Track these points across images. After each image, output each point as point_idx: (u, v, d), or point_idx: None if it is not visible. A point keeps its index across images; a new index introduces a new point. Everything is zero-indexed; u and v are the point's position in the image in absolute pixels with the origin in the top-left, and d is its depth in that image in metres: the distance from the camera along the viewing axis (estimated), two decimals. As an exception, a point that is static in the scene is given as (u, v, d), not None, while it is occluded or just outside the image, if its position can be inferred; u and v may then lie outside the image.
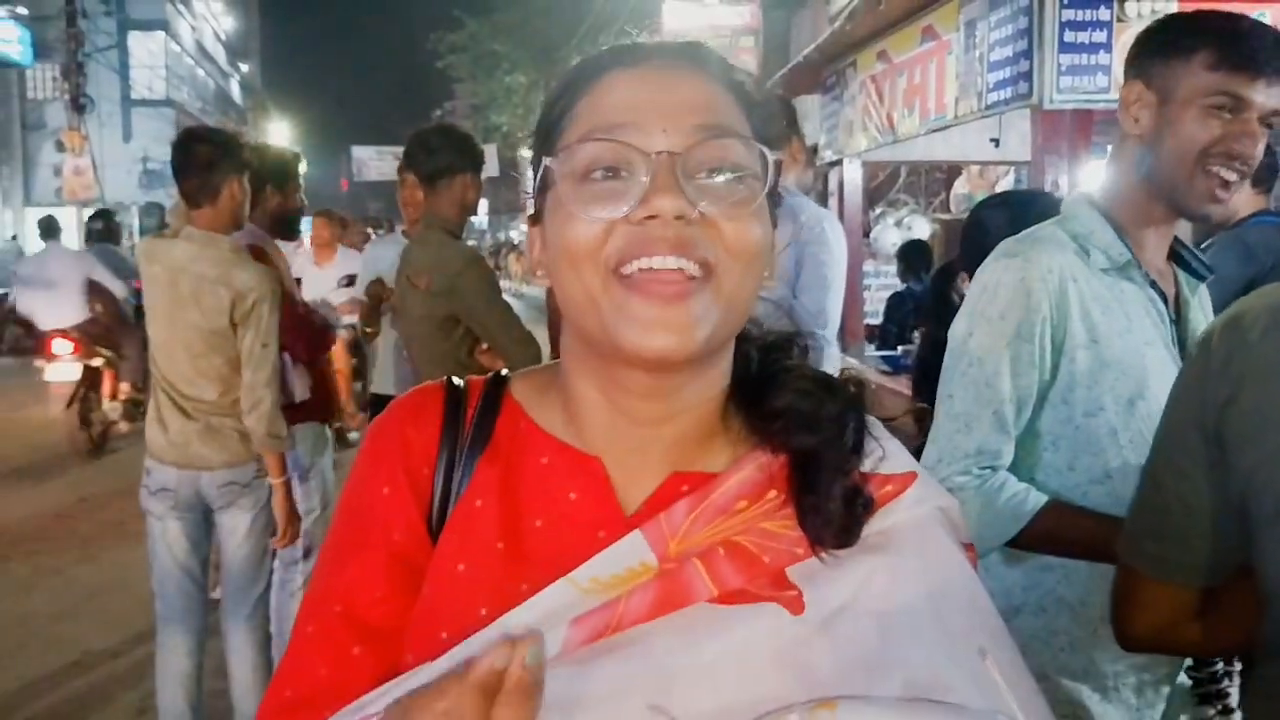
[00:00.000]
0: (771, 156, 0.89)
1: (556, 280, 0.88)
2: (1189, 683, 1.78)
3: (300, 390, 3.92)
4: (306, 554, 4.13)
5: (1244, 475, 1.25)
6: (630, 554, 0.85)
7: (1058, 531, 1.72)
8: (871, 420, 0.94)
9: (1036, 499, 1.72)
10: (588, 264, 0.85)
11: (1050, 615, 1.81)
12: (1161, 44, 1.77)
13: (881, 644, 0.81)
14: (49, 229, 9.88)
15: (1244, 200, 3.73)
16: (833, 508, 0.86)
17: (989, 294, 1.79)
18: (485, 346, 3.56)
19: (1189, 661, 1.77)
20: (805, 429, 0.89)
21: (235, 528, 3.47)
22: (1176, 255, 1.91)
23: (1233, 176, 1.71)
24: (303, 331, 3.93)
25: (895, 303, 8.00)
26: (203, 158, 3.33)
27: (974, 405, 1.77)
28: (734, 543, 0.86)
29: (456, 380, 1.00)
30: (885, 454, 0.92)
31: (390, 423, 0.98)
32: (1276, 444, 1.22)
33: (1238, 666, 1.74)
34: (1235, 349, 1.28)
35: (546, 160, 0.88)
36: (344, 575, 0.93)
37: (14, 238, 27.58)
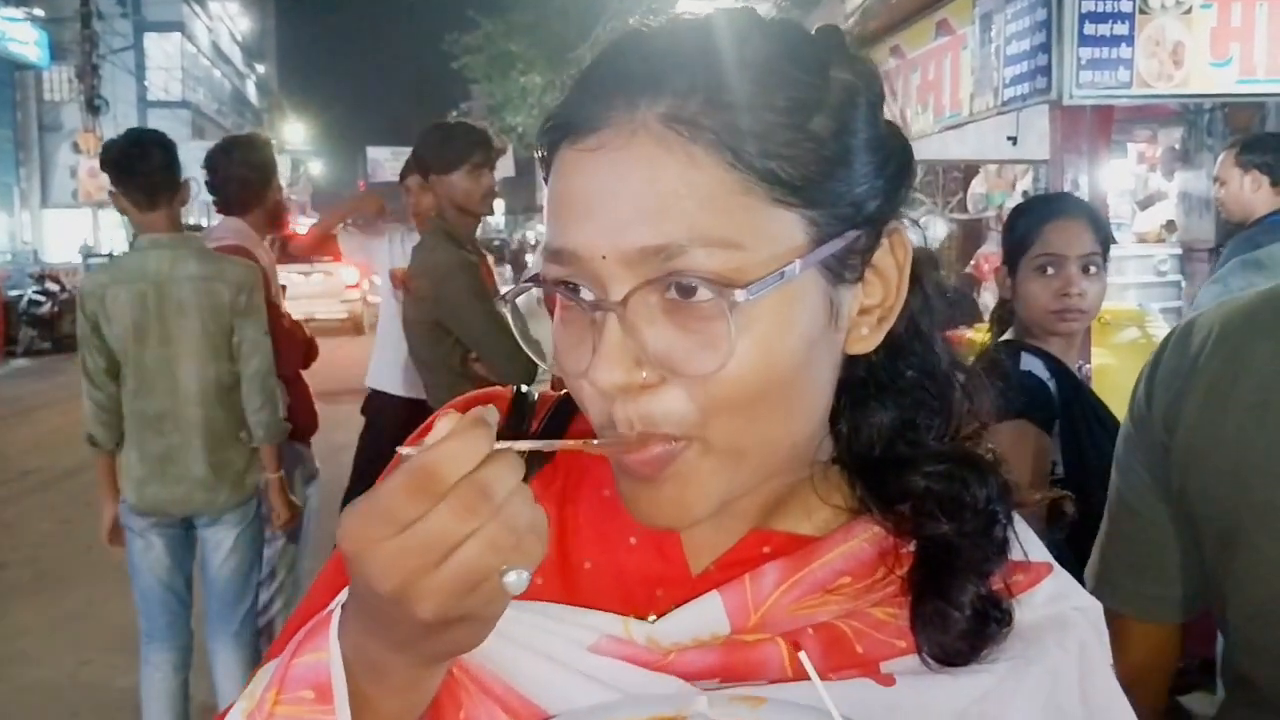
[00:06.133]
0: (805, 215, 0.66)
1: None
2: None
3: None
4: (272, 576, 3.88)
5: (1190, 503, 1.17)
6: (701, 621, 0.71)
7: None
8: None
9: None
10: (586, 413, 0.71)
11: None
12: None
13: None
14: None
15: (1264, 198, 3.62)
16: (959, 619, 0.70)
17: None
18: (475, 354, 3.46)
19: None
20: (944, 515, 0.72)
21: (220, 542, 3.35)
22: None
23: None
24: (288, 342, 3.75)
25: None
26: (157, 160, 3.25)
27: None
28: (829, 626, 0.71)
29: (527, 389, 0.86)
30: (1022, 543, 0.76)
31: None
32: (1216, 468, 1.13)
33: None
34: (1180, 366, 1.19)
35: None
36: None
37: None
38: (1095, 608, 0.76)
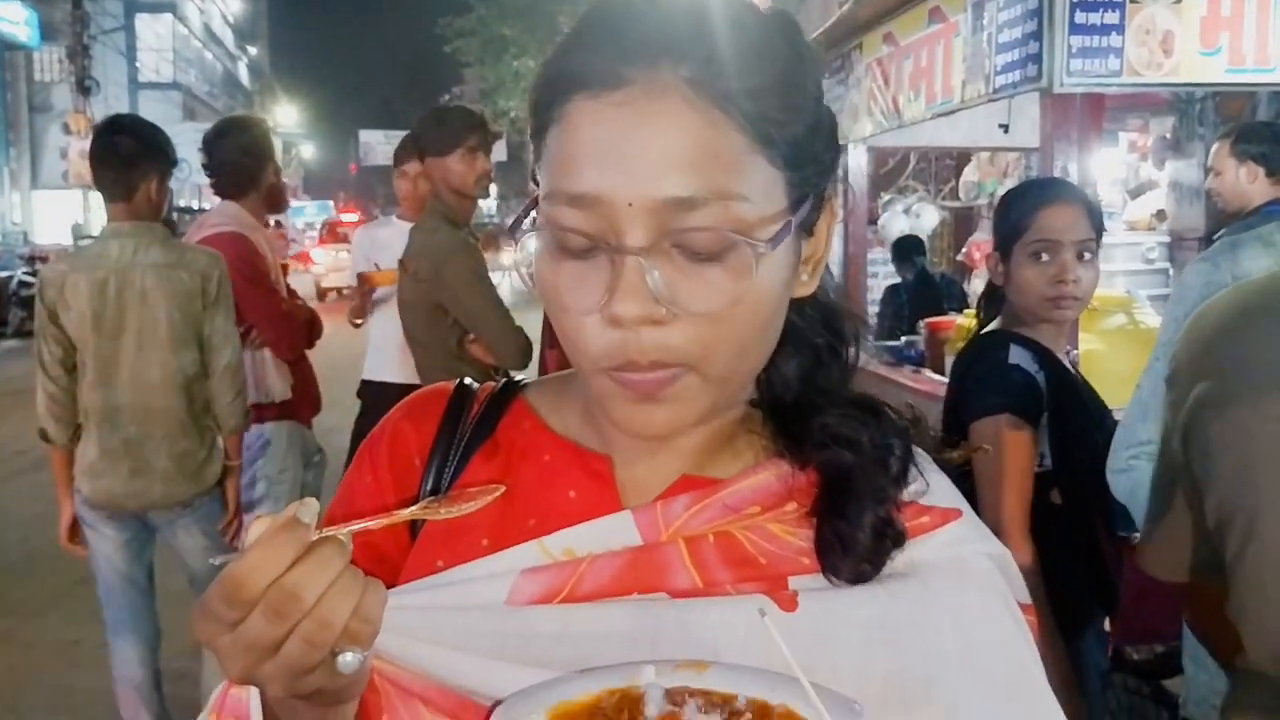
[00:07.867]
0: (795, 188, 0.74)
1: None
2: None
3: (281, 389, 3.70)
4: None
5: (1212, 498, 1.16)
6: (614, 534, 0.78)
7: None
8: (920, 453, 0.83)
9: None
10: (571, 348, 0.76)
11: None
12: None
13: (889, 672, 0.73)
14: None
15: (1260, 189, 3.63)
16: (859, 539, 0.76)
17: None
18: (474, 336, 3.48)
19: None
20: (841, 447, 0.80)
21: (192, 548, 3.28)
22: None
23: None
24: (288, 326, 3.71)
25: (890, 294, 7.94)
26: (123, 151, 3.12)
27: (1152, 396, 1.91)
28: (726, 533, 0.77)
29: (469, 381, 0.93)
30: (929, 488, 0.81)
31: (392, 415, 0.93)
32: (1232, 453, 1.12)
33: None
34: (1195, 349, 1.19)
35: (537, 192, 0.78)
36: None
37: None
38: (1004, 554, 0.82)
